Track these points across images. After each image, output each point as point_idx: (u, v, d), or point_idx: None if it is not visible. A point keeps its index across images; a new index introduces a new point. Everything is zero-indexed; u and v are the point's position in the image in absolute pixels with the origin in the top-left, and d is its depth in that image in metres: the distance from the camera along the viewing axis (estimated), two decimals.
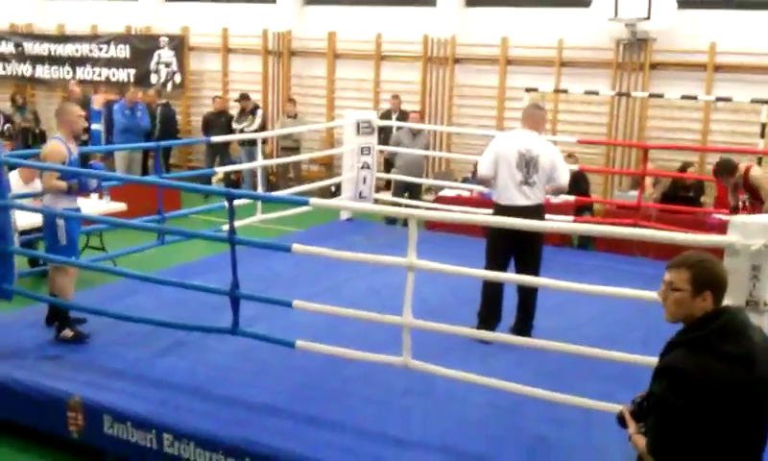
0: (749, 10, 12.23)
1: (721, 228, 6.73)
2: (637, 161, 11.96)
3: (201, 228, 9.15)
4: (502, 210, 6.50)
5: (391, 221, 11.15)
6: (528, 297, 6.70)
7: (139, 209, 8.46)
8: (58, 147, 6.47)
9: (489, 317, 6.63)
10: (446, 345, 5.99)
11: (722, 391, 2.89)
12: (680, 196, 10.85)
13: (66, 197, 6.51)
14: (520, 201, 6.51)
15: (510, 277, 6.31)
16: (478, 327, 6.35)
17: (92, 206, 9.25)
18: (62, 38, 17.64)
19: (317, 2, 15.65)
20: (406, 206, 10.82)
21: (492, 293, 6.68)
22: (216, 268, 7.34)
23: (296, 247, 5.76)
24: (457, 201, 11.00)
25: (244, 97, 14.77)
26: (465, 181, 12.62)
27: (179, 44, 16.39)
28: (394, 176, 11.59)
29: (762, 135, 11.43)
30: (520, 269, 6.53)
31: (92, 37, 17.23)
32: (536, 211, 6.57)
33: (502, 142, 6.65)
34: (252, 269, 7.41)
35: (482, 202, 10.69)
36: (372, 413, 5.36)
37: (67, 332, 6.49)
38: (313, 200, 6.15)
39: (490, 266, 6.52)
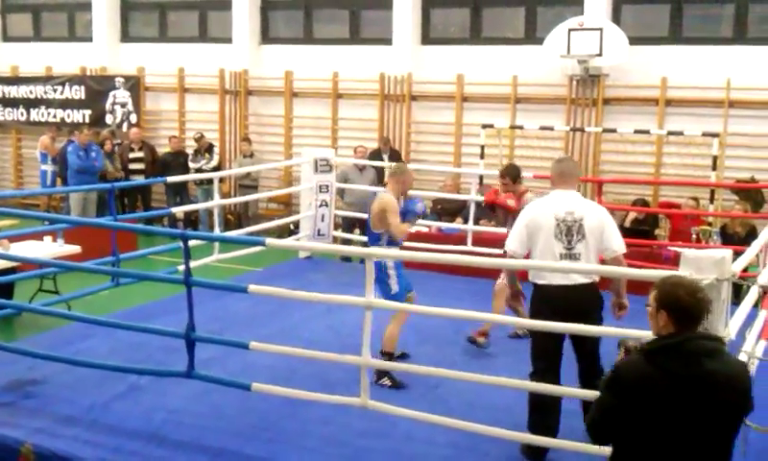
0: (698, 45, 12.49)
1: (676, 260, 6.77)
2: (593, 195, 12.07)
3: (158, 267, 9.05)
4: (545, 294, 5.24)
5: (346, 258, 11.13)
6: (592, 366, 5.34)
7: (94, 251, 8.35)
8: (393, 201, 6.70)
9: (543, 432, 5.06)
10: (405, 382, 5.97)
11: (639, 389, 3.11)
12: (634, 229, 10.97)
13: (393, 247, 6.65)
14: (560, 280, 5.18)
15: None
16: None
17: (46, 249, 9.12)
18: (16, 80, 17.47)
19: (273, 41, 15.70)
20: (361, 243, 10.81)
21: (545, 405, 5.18)
22: (172, 310, 7.20)
23: (252, 288, 5.71)
24: (416, 237, 10.98)
25: (200, 137, 14.73)
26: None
27: (134, 84, 16.30)
28: (343, 212, 11.59)
29: (714, 168, 11.62)
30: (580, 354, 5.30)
31: (47, 79, 17.08)
32: (587, 291, 5.22)
33: (534, 208, 5.46)
34: (208, 309, 7.37)
35: (441, 237, 10.76)
36: (332, 455, 5.30)
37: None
38: (269, 240, 6.09)
39: (540, 367, 5.22)
